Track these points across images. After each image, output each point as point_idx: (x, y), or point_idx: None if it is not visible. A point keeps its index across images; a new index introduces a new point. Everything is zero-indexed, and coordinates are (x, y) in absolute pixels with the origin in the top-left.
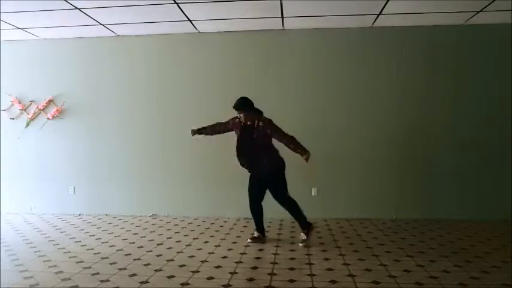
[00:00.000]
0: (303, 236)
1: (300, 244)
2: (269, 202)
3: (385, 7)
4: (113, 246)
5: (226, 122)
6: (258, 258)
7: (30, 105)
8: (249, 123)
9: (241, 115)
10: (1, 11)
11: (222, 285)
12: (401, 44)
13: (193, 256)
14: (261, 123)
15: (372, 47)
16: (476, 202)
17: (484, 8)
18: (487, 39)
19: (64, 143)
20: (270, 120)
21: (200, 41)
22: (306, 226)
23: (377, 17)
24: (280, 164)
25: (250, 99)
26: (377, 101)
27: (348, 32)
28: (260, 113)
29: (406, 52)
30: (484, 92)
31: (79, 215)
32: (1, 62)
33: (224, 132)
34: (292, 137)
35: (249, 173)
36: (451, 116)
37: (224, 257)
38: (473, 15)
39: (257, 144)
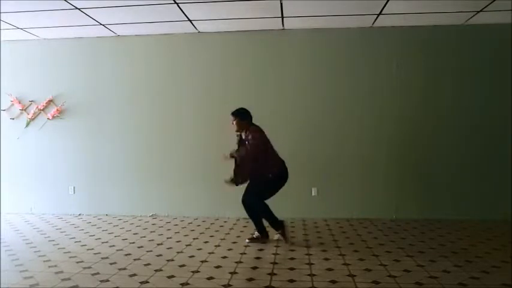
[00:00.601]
0: (279, 237)
1: (275, 237)
2: (271, 203)
3: (385, 7)
4: (113, 246)
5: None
6: (258, 258)
7: (30, 105)
8: (242, 134)
9: (234, 122)
10: (1, 11)
11: (222, 285)
12: (401, 44)
13: (193, 256)
14: (250, 135)
15: (372, 47)
16: (476, 202)
17: (484, 8)
18: (487, 39)
19: (64, 143)
20: (257, 130)
21: (200, 41)
22: (279, 227)
23: (377, 17)
24: (276, 171)
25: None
26: (377, 101)
27: (348, 32)
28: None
29: (406, 52)
30: (484, 92)
31: (79, 215)
32: (1, 62)
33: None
34: (251, 160)
35: None
36: (451, 116)
37: (224, 257)
38: (473, 15)
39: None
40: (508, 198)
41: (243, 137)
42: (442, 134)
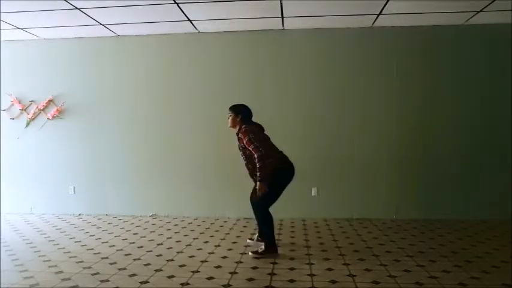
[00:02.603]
0: (261, 248)
1: (250, 253)
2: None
3: (385, 7)
4: (113, 246)
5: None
6: (257, 258)
7: (30, 105)
8: (237, 132)
9: (229, 117)
10: (1, 11)
11: (222, 285)
12: (402, 44)
13: (193, 256)
14: (240, 135)
15: (372, 47)
16: (476, 202)
17: (484, 8)
18: (487, 39)
19: (64, 143)
20: (245, 130)
21: (200, 41)
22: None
23: (377, 17)
24: (276, 168)
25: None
26: (377, 101)
27: (348, 32)
28: (252, 124)
29: (406, 52)
30: (484, 92)
31: (79, 215)
32: (1, 62)
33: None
34: (264, 156)
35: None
36: (451, 116)
37: (224, 257)
38: (473, 15)
39: (244, 152)
40: (508, 198)
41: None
42: (442, 134)
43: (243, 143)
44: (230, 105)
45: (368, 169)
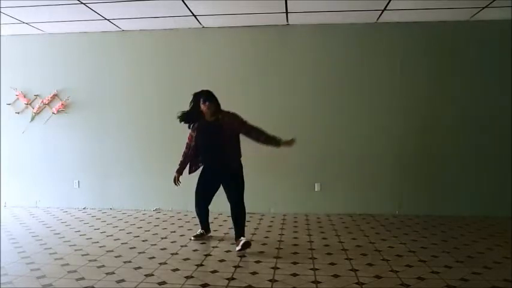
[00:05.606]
0: (240, 245)
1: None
2: (273, 197)
3: (390, 3)
4: (118, 239)
5: (187, 142)
6: (261, 252)
7: (35, 99)
8: (212, 119)
9: (207, 107)
10: (6, 5)
11: (226, 279)
12: (406, 40)
13: (196, 250)
14: (226, 118)
15: (376, 42)
16: (479, 198)
17: (490, 4)
18: (493, 36)
19: (69, 137)
20: (234, 114)
21: (204, 36)
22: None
23: (382, 13)
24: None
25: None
26: (381, 97)
27: (353, 28)
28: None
29: (411, 48)
30: (489, 89)
31: (84, 208)
32: (7, 57)
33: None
34: (260, 128)
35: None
36: (454, 112)
37: (227, 251)
38: (479, 11)
39: (225, 140)
40: (510, 195)
41: (214, 119)
42: (446, 130)
43: (232, 126)
44: (233, 100)
45: (371, 165)
